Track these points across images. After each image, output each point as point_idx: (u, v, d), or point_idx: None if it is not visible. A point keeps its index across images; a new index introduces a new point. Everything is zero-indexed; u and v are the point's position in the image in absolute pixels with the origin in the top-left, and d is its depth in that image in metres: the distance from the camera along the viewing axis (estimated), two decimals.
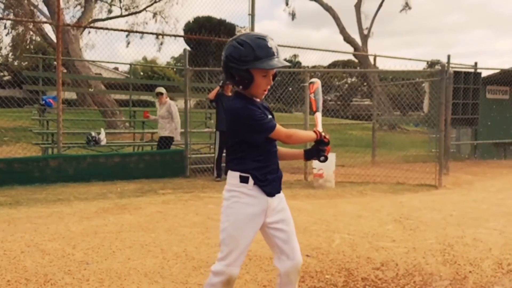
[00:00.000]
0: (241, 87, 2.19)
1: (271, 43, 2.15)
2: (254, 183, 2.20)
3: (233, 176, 2.23)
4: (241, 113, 2.18)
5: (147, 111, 9.88)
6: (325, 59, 33.32)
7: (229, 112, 2.25)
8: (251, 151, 2.21)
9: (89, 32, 20.16)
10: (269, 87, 2.23)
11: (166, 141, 9.05)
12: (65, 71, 15.10)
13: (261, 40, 2.14)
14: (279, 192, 2.29)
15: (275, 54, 2.15)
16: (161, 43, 21.23)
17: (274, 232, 2.29)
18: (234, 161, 2.25)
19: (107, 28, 9.63)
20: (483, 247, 4.04)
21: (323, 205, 5.94)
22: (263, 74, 2.16)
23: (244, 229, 2.21)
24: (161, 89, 9.09)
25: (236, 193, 2.21)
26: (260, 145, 2.21)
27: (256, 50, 2.11)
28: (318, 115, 2.44)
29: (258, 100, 2.25)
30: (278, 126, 2.19)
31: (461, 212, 5.51)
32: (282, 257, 2.29)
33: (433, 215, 5.34)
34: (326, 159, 2.33)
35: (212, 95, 8.18)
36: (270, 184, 2.23)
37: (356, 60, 29.80)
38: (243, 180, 2.20)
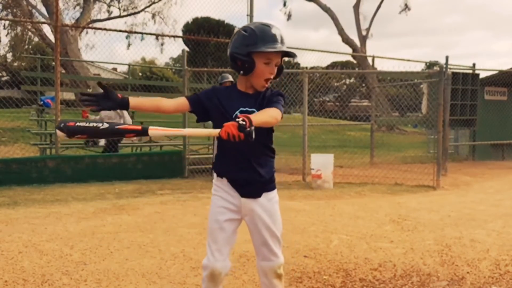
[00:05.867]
0: (241, 72, 2.17)
1: (275, 31, 2.15)
2: (228, 180, 2.24)
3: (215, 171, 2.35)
4: None
5: (86, 110, 9.04)
6: (324, 60, 33.25)
7: None
8: (219, 151, 2.28)
9: (87, 33, 20.17)
10: (272, 77, 2.19)
11: (114, 144, 8.68)
12: (63, 71, 15.08)
13: (265, 27, 2.15)
14: (254, 197, 2.22)
15: (278, 41, 2.14)
16: (162, 44, 21.21)
17: (251, 233, 2.30)
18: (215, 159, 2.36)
19: (105, 29, 9.61)
20: (480, 248, 4.05)
21: (321, 206, 5.93)
22: (264, 61, 2.14)
23: (218, 221, 2.22)
24: None
25: (215, 186, 2.30)
26: (224, 147, 2.23)
27: (258, 35, 2.12)
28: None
29: (249, 92, 2.22)
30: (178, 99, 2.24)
31: (459, 213, 5.52)
32: (257, 257, 2.32)
33: (431, 216, 5.35)
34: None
35: None
36: (242, 186, 2.22)
37: (354, 61, 29.88)
38: (219, 175, 2.28)
